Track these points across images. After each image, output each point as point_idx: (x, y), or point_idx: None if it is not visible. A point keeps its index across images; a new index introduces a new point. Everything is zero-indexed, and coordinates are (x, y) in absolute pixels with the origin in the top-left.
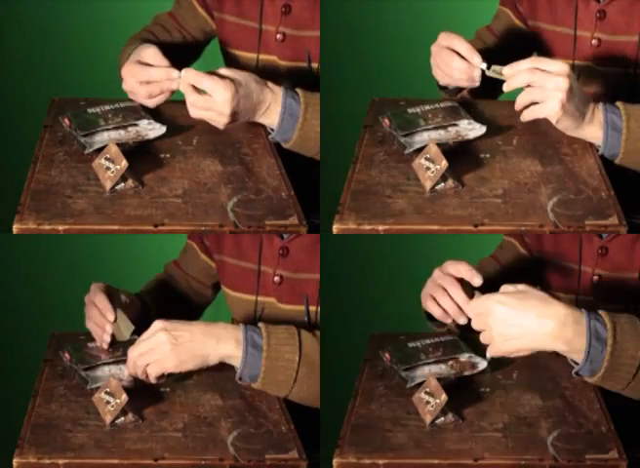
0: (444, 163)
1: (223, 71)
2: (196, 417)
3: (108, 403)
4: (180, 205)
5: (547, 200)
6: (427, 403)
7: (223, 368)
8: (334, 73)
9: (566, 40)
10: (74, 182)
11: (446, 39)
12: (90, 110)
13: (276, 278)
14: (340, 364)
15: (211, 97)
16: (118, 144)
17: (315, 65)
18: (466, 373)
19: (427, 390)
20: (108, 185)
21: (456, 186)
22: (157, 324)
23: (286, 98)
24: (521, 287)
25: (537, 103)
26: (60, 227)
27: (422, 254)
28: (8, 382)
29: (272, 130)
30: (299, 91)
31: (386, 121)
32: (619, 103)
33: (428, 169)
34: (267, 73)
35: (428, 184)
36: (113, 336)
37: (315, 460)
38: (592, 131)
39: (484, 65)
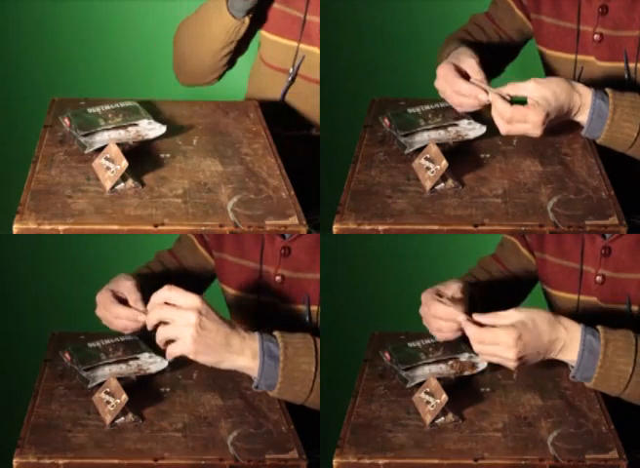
0: (444, 163)
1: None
2: (196, 417)
3: (108, 403)
4: (179, 205)
5: (547, 200)
6: (427, 403)
7: None
8: (334, 73)
9: (568, 34)
10: (74, 182)
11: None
12: (90, 110)
13: (278, 278)
14: (340, 364)
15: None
16: (118, 144)
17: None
18: (466, 373)
19: (427, 390)
20: (108, 185)
21: (456, 186)
22: (195, 299)
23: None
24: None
25: None
26: (60, 227)
27: (422, 254)
28: (8, 382)
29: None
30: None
31: (386, 121)
32: (608, 90)
33: (428, 169)
34: None
35: (428, 184)
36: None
37: (315, 460)
38: None
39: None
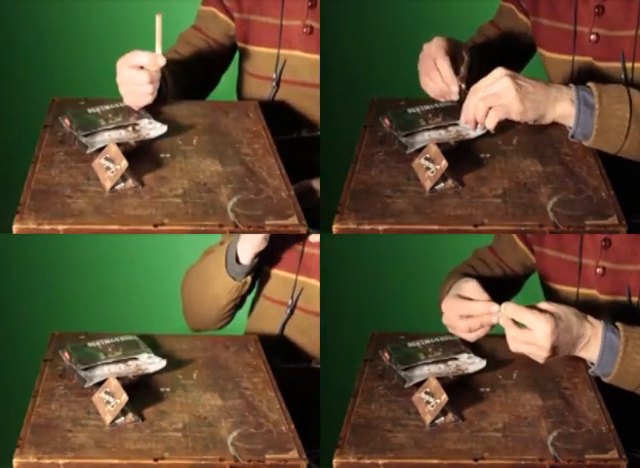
0: (444, 163)
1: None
2: (196, 417)
3: (108, 403)
4: (179, 205)
5: (547, 200)
6: (427, 403)
7: (224, 367)
8: (334, 73)
9: (565, 35)
10: (74, 182)
11: (434, 50)
12: (90, 110)
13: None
14: (340, 364)
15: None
16: (118, 144)
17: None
18: (466, 373)
19: (427, 390)
20: (108, 185)
21: (456, 186)
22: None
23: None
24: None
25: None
26: (60, 227)
27: (422, 254)
28: (8, 382)
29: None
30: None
31: (386, 121)
32: (593, 90)
33: (428, 169)
34: None
35: (428, 184)
36: None
37: (315, 457)
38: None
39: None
